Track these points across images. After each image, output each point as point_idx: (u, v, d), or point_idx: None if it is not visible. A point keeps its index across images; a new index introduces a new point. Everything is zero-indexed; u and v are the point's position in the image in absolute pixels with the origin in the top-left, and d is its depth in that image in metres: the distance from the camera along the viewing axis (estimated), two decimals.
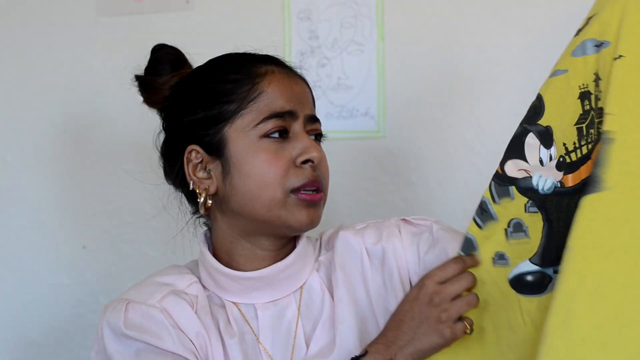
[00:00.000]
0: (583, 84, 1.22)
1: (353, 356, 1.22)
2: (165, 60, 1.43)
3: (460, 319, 1.23)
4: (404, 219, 1.41)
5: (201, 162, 1.32)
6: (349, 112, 2.00)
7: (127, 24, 2.06)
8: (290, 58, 1.98)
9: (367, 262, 1.36)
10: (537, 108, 1.27)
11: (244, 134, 1.29)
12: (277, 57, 1.38)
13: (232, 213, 1.31)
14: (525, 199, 1.23)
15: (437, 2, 1.97)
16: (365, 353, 1.21)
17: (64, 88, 2.08)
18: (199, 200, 1.33)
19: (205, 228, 1.42)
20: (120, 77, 2.07)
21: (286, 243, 1.34)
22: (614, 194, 1.10)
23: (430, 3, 1.97)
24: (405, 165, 2.00)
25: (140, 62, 2.10)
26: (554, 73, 1.26)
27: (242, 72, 1.32)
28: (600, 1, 1.22)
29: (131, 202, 2.06)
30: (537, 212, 1.22)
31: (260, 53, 1.39)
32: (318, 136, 1.35)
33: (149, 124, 2.07)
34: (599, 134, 1.14)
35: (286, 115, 1.29)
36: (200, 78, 1.35)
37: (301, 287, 1.34)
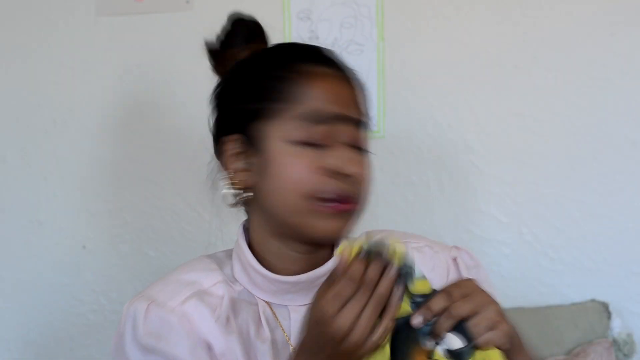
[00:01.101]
0: None
1: None
2: (238, 33, 1.36)
3: None
4: (454, 259, 1.37)
5: (241, 152, 1.27)
6: None
7: (127, 24, 2.06)
8: None
9: None
10: None
11: (283, 135, 1.23)
12: (332, 55, 1.31)
13: (263, 211, 1.27)
14: None
15: (437, 2, 1.97)
16: None
17: (64, 88, 2.08)
18: (229, 190, 1.27)
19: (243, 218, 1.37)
20: (120, 76, 2.08)
21: (319, 247, 1.29)
22: None
23: (430, 3, 1.97)
24: (405, 165, 2.00)
25: (140, 62, 2.11)
26: None
27: (292, 70, 1.26)
28: None
29: (131, 202, 2.06)
30: None
31: (320, 46, 1.32)
32: (362, 144, 1.27)
33: (149, 124, 2.08)
34: None
35: (330, 120, 1.23)
36: (253, 67, 1.29)
37: None
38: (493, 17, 1.95)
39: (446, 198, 1.99)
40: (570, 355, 1.87)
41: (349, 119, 1.24)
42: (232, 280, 1.31)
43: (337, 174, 1.22)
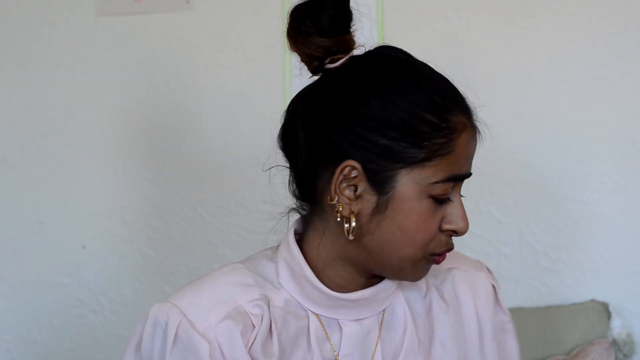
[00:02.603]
0: None
1: None
2: (331, 18, 1.23)
3: None
4: (494, 287, 1.36)
5: (353, 181, 1.18)
6: None
7: (127, 24, 2.05)
8: (290, 59, 1.98)
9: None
10: None
11: (415, 185, 1.16)
12: (466, 99, 1.25)
13: (358, 244, 1.20)
14: None
15: (437, 2, 1.97)
16: None
17: (64, 88, 2.08)
18: (338, 216, 1.18)
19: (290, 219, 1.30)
20: (120, 76, 2.08)
21: None
22: None
23: (430, 3, 1.97)
24: None
25: (140, 62, 2.11)
26: None
27: (442, 119, 1.18)
28: None
29: (131, 202, 2.06)
30: None
31: (450, 81, 1.25)
32: None
33: (149, 124, 2.08)
34: None
35: (461, 179, 1.20)
36: (397, 97, 1.19)
37: (384, 309, 1.26)
38: (493, 17, 1.95)
39: None
40: (570, 355, 1.87)
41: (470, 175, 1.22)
42: (276, 285, 1.24)
43: (449, 230, 1.19)
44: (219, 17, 2.04)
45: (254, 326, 1.19)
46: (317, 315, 1.22)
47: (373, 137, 1.17)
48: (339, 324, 1.23)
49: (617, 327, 1.92)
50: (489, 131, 1.53)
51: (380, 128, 1.17)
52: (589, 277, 1.97)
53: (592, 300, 1.95)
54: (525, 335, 1.23)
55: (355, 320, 1.23)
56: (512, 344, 1.33)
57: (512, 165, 1.98)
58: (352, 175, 1.17)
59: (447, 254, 1.26)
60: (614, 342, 1.90)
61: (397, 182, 1.17)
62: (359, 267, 1.22)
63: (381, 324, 1.25)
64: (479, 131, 1.22)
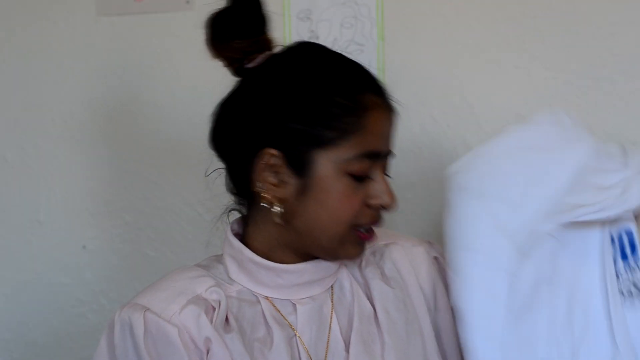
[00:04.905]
0: None
1: None
2: (242, 22, 1.33)
3: None
4: (436, 259, 1.46)
5: (274, 167, 1.26)
6: None
7: (127, 24, 2.06)
8: None
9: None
10: None
11: (332, 165, 1.24)
12: (379, 81, 1.32)
13: (290, 228, 1.28)
14: None
15: (437, 2, 1.97)
16: None
17: (64, 88, 2.08)
18: (263, 203, 1.27)
19: (226, 220, 1.41)
20: (120, 76, 2.08)
21: None
22: None
23: (430, 3, 1.97)
24: (405, 165, 2.00)
25: (140, 62, 2.11)
26: None
27: (351, 99, 1.25)
28: None
29: (131, 202, 2.06)
30: None
31: (363, 66, 1.32)
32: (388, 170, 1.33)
33: (149, 123, 2.08)
34: None
35: (379, 155, 1.28)
36: (307, 85, 1.26)
37: (332, 284, 1.35)
38: (493, 17, 1.95)
39: (446, 198, 1.99)
40: None
41: (388, 151, 1.30)
42: (228, 281, 1.32)
43: (374, 205, 1.27)
44: None
45: (214, 309, 1.26)
46: (268, 298, 1.30)
47: (288, 124, 1.24)
48: (292, 304, 1.30)
49: None
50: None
51: (294, 115, 1.25)
52: None
53: None
54: None
55: (307, 297, 1.31)
56: None
57: None
58: (273, 162, 1.25)
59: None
60: None
61: (315, 163, 1.24)
62: (298, 250, 1.30)
63: (332, 297, 1.33)
64: (394, 111, 1.31)
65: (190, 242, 2.05)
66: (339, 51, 1.34)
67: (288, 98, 1.26)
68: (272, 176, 1.26)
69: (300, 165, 1.25)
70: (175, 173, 2.04)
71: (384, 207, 1.28)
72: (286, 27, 2.00)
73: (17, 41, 2.09)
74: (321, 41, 1.99)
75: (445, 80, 1.98)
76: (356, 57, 1.98)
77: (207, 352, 1.23)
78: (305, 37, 1.99)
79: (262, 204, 1.27)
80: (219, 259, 1.37)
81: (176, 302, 1.25)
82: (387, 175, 1.32)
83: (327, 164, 1.24)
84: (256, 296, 1.30)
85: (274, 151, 1.25)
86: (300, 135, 1.24)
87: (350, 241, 1.28)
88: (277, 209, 1.26)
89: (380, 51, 1.98)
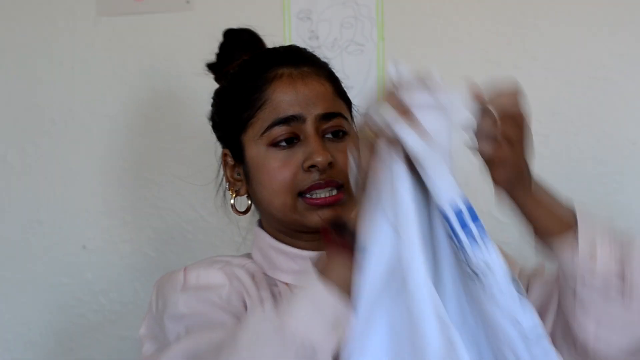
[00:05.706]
0: None
1: None
2: (233, 46, 1.44)
3: None
4: None
5: (230, 164, 1.38)
6: None
7: (127, 24, 2.06)
8: None
9: None
10: None
11: (254, 143, 1.31)
12: (293, 52, 1.38)
13: (263, 214, 1.38)
14: None
15: (437, 2, 1.97)
16: None
17: (64, 88, 2.08)
18: (231, 202, 1.39)
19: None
20: (120, 76, 2.07)
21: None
22: None
23: (430, 3, 1.97)
24: None
25: (140, 62, 2.11)
26: None
27: (253, 79, 1.33)
28: None
29: (131, 202, 2.06)
30: None
31: (287, 47, 1.41)
32: (339, 132, 1.33)
33: (149, 124, 2.08)
34: None
35: (291, 120, 1.30)
36: (232, 81, 1.39)
37: None
38: (493, 17, 1.95)
39: None
40: None
41: (311, 113, 1.30)
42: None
43: (308, 167, 1.29)
44: (219, 17, 2.03)
45: (253, 274, 1.33)
46: (287, 284, 1.33)
47: (225, 122, 1.37)
48: None
49: None
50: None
51: (225, 113, 1.37)
52: None
53: None
54: None
55: None
56: None
57: None
58: (228, 160, 1.38)
59: None
60: None
61: (245, 148, 1.33)
62: (290, 234, 1.35)
63: None
64: (313, 71, 1.33)
65: (190, 242, 2.05)
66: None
67: (220, 101, 1.40)
68: (235, 173, 1.38)
69: (239, 155, 1.35)
70: (175, 173, 2.04)
71: (316, 167, 1.28)
72: (286, 27, 2.00)
73: (17, 41, 2.09)
74: (321, 41, 1.99)
75: (445, 80, 1.98)
76: (356, 57, 2.00)
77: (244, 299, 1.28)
78: (306, 37, 1.99)
79: (248, 202, 1.39)
80: (247, 255, 1.43)
81: (215, 265, 1.32)
82: (339, 136, 1.32)
83: (251, 144, 1.32)
84: (277, 284, 1.34)
85: (226, 150, 1.38)
86: (231, 128, 1.35)
87: (305, 209, 1.30)
88: (232, 201, 1.38)
89: (380, 51, 1.98)
